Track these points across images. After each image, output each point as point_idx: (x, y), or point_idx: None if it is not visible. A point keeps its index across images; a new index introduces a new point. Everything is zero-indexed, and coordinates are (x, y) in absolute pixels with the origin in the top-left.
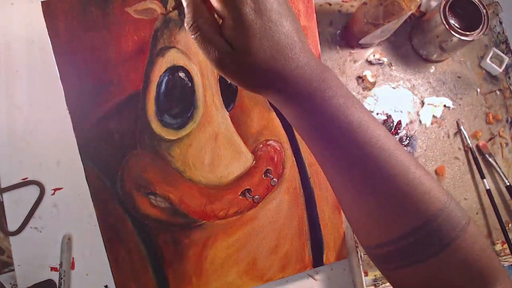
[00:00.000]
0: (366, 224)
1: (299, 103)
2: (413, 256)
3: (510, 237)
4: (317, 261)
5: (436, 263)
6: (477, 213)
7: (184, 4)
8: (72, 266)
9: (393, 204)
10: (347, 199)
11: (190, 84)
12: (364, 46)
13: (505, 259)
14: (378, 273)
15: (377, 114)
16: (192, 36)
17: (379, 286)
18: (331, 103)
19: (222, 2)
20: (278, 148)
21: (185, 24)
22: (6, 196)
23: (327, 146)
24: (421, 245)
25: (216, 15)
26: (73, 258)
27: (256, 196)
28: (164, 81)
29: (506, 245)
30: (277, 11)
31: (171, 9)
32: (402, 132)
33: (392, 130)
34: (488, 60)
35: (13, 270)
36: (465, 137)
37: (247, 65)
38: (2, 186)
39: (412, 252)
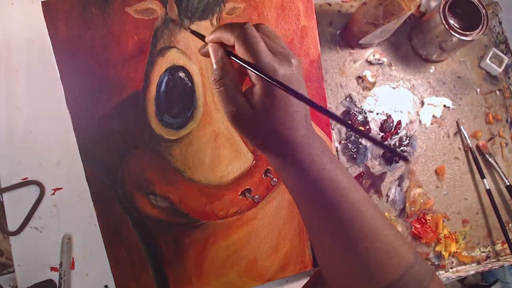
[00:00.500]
0: (348, 280)
1: (301, 169)
2: None
3: (510, 237)
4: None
5: None
6: (477, 213)
7: (213, 61)
8: (72, 266)
9: (371, 260)
10: (331, 256)
11: (190, 84)
12: (364, 46)
13: (505, 259)
14: None
15: (377, 114)
16: (216, 89)
17: None
18: (327, 171)
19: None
20: None
21: (212, 79)
22: (6, 196)
23: (321, 208)
24: None
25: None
26: (73, 258)
27: (256, 196)
28: (164, 81)
29: (506, 245)
30: (298, 89)
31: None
32: (402, 132)
33: (392, 130)
34: (487, 60)
35: (12, 271)
36: (465, 137)
37: (264, 127)
38: (2, 186)
39: None
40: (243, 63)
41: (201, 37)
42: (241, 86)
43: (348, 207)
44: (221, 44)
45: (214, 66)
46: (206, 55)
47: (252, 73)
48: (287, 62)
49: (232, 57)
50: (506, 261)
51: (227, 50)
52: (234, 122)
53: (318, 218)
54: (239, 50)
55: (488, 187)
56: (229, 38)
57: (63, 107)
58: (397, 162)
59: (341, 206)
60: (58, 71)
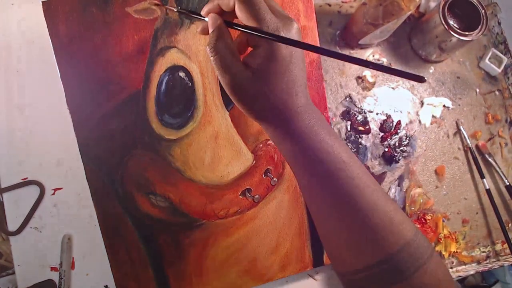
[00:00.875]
0: (344, 252)
1: (299, 138)
2: (385, 281)
3: (510, 237)
4: (317, 261)
5: (405, 287)
6: (477, 213)
7: (210, 29)
8: (72, 266)
9: (367, 234)
10: (327, 227)
11: (190, 84)
12: (363, 47)
13: (505, 259)
14: None
15: (377, 114)
16: (211, 57)
17: None
18: (326, 143)
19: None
20: None
21: (207, 45)
22: (6, 196)
23: (318, 180)
24: (391, 272)
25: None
26: (73, 258)
27: (256, 196)
28: (164, 81)
29: (506, 245)
30: (299, 56)
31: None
32: (402, 132)
33: (392, 130)
34: (487, 60)
35: (12, 273)
36: (464, 137)
37: (263, 93)
38: (2, 186)
39: (384, 278)
40: (244, 28)
41: (195, 14)
42: (239, 55)
43: (346, 182)
44: (220, 14)
45: (210, 33)
46: (205, 32)
47: (254, 36)
48: (289, 23)
49: (233, 26)
50: (506, 261)
51: (226, 20)
52: (232, 91)
53: (315, 191)
54: (240, 11)
55: (487, 187)
56: (228, 1)
57: (63, 107)
58: (397, 162)
59: (339, 181)
60: (58, 71)
